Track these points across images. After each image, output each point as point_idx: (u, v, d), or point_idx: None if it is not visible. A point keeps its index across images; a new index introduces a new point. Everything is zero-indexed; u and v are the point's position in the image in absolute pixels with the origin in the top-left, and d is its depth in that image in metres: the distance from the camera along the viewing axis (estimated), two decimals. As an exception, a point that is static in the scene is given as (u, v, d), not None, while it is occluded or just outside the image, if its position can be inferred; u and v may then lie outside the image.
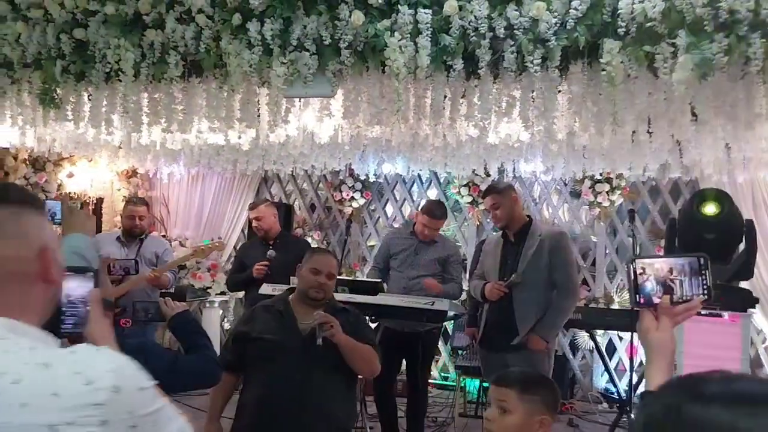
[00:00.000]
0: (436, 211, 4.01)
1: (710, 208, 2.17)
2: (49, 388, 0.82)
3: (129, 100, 3.03)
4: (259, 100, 3.00)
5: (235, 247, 6.33)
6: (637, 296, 1.29)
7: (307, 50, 2.71)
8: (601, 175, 5.32)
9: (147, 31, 2.94)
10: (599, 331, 5.27)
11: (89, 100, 3.29)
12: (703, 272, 1.27)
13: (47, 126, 3.69)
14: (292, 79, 2.75)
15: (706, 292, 1.27)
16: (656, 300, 1.26)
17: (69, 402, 0.82)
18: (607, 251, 5.86)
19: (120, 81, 3.02)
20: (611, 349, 5.63)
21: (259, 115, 3.04)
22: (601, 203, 5.55)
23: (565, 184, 5.88)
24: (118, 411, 0.84)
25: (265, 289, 3.64)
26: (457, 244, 6.01)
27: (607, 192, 5.49)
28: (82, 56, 3.11)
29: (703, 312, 2.31)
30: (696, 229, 2.21)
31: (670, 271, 1.29)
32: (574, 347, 5.81)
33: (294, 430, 2.32)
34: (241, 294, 5.98)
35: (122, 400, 0.84)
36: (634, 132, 3.36)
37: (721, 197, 2.23)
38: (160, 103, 3.11)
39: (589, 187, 5.55)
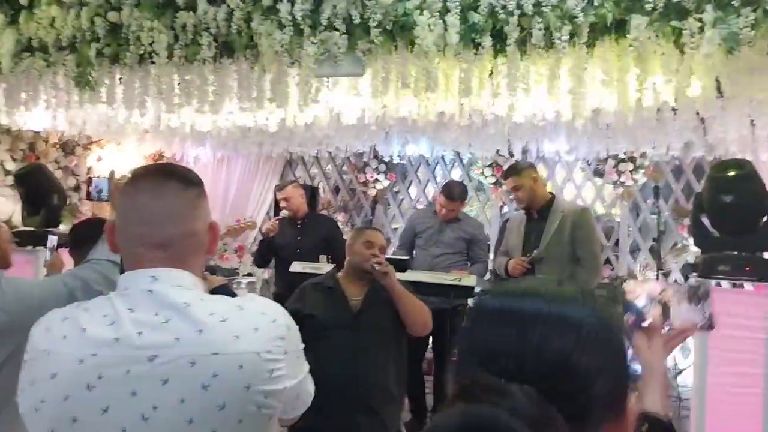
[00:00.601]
0: (453, 192, 4.09)
1: (730, 172, 2.20)
2: (250, 325, 1.06)
3: (162, 81, 3.11)
4: (288, 80, 3.07)
5: (260, 230, 6.46)
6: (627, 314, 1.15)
7: (337, 30, 2.76)
8: (624, 154, 5.33)
9: (179, 13, 3.01)
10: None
11: (120, 82, 3.39)
12: (703, 299, 1.22)
13: (81, 108, 3.80)
14: (323, 58, 2.81)
15: (708, 321, 1.21)
16: (647, 320, 1.15)
17: (266, 335, 1.06)
18: (630, 230, 5.87)
19: (153, 63, 3.11)
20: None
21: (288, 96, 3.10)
22: (624, 183, 5.55)
23: (588, 164, 5.89)
24: (291, 343, 1.10)
25: (295, 267, 3.74)
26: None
27: (630, 171, 5.49)
28: (116, 39, 3.19)
29: (724, 284, 2.34)
30: (715, 191, 2.24)
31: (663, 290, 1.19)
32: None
33: (348, 403, 2.37)
34: (266, 275, 6.13)
35: (292, 336, 1.11)
36: (658, 110, 3.38)
37: (742, 162, 2.26)
38: (192, 84, 3.19)
39: (613, 167, 5.56)
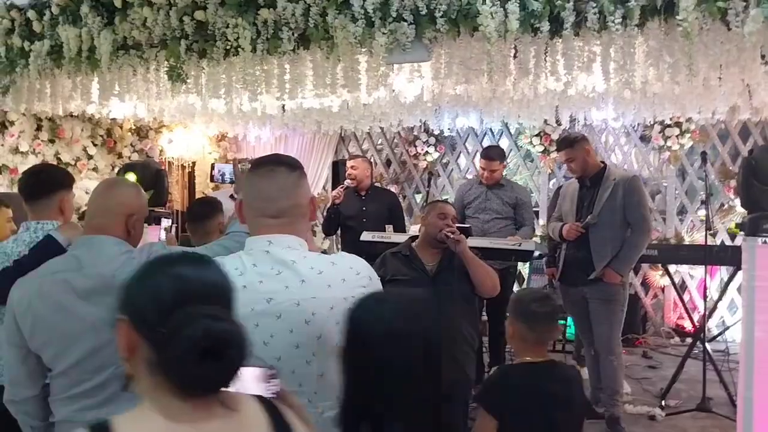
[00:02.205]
0: (490, 152, 4.41)
1: None
2: (339, 276, 1.43)
3: (247, 72, 3.45)
4: (359, 68, 3.36)
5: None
6: None
7: (405, 20, 3.03)
8: (670, 119, 5.48)
9: (261, 10, 3.32)
10: (672, 269, 5.53)
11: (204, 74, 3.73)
12: None
13: (167, 98, 4.18)
14: (392, 47, 3.09)
15: None
16: None
17: (351, 284, 1.43)
18: (677, 193, 6.03)
19: (237, 56, 3.44)
20: (683, 288, 5.87)
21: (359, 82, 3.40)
22: (670, 147, 5.71)
23: (635, 130, 6.05)
24: (373, 289, 1.46)
25: (365, 236, 4.08)
26: (531, 193, 6.31)
27: (676, 136, 5.65)
28: (203, 35, 3.53)
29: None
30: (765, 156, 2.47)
31: None
32: (645, 286, 6.08)
33: None
34: (326, 244, 6.52)
35: (373, 284, 1.48)
36: (705, 78, 3.56)
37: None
38: (271, 74, 3.52)
39: (659, 132, 5.71)
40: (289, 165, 1.53)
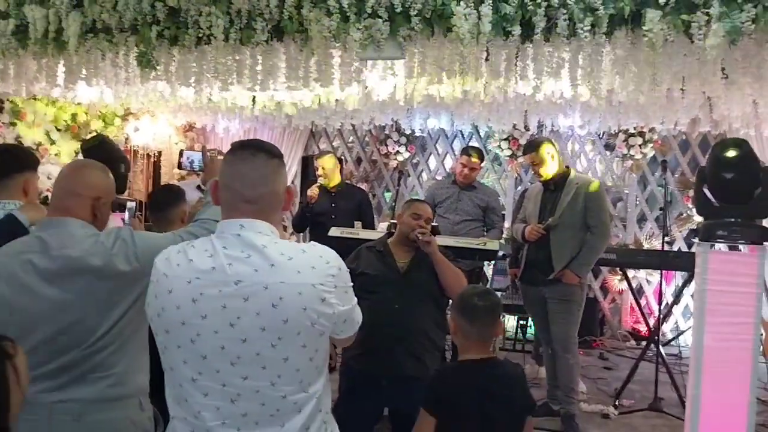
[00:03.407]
0: (471, 150, 4.49)
1: (730, 152, 2.53)
2: (309, 263, 1.44)
3: (218, 62, 3.43)
4: (332, 62, 3.38)
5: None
6: None
7: (380, 17, 3.06)
8: (634, 129, 5.64)
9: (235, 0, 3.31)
10: (630, 274, 5.68)
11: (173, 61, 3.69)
12: None
13: (134, 85, 4.12)
14: (366, 43, 3.12)
15: None
16: None
17: (320, 272, 1.43)
18: (638, 201, 6.21)
19: (208, 44, 3.42)
20: (640, 293, 6.04)
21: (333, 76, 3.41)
22: (633, 156, 5.87)
23: (600, 138, 6.20)
24: (340, 280, 1.47)
25: (334, 231, 4.09)
26: (497, 196, 6.40)
27: (639, 145, 5.81)
28: (175, 22, 3.49)
29: (722, 247, 2.69)
30: (717, 169, 2.57)
31: None
32: (604, 290, 6.24)
33: (396, 349, 2.70)
34: (294, 239, 6.50)
35: (342, 275, 1.48)
36: (668, 89, 3.69)
37: (740, 143, 2.57)
38: (243, 64, 3.50)
39: (623, 141, 5.87)
40: (270, 152, 1.53)
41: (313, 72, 3.39)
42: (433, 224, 4.22)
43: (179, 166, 6.47)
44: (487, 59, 3.13)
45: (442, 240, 3.97)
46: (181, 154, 6.44)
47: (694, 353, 2.66)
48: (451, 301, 2.71)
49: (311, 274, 1.42)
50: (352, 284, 1.55)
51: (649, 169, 6.10)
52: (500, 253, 4.32)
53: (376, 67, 3.57)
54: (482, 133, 6.58)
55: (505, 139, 6.27)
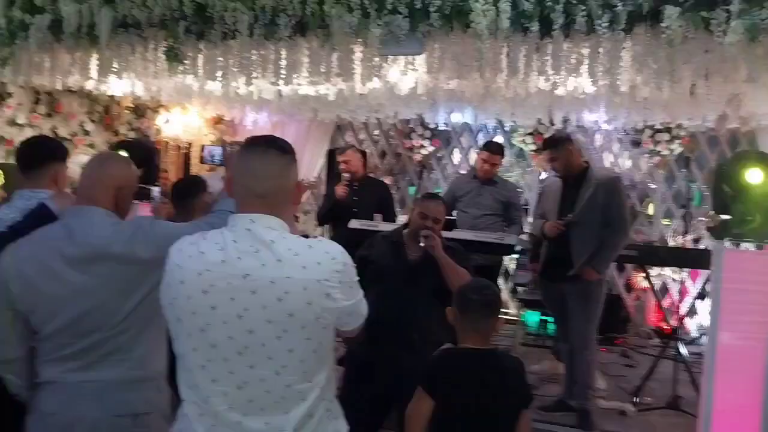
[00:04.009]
0: (492, 146, 4.50)
1: (754, 176, 2.46)
2: (315, 259, 1.49)
3: (243, 56, 3.51)
4: (354, 57, 3.43)
5: (312, 191, 6.96)
6: None
7: (400, 13, 3.09)
8: (661, 125, 5.57)
9: (259, -4, 3.38)
10: (654, 273, 5.63)
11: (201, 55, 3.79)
12: None
13: (163, 78, 4.24)
14: (386, 38, 3.16)
15: None
16: None
17: (325, 268, 1.49)
18: (665, 198, 6.13)
19: (234, 39, 3.50)
20: (664, 291, 5.97)
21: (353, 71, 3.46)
22: (660, 152, 5.79)
23: (626, 134, 6.13)
24: (345, 275, 1.53)
25: (354, 224, 4.15)
26: (519, 190, 6.39)
27: (666, 141, 5.73)
28: (201, 18, 3.58)
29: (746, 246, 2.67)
30: (739, 169, 2.55)
31: None
32: (629, 288, 6.19)
33: (399, 340, 2.73)
34: (318, 232, 6.59)
35: (348, 270, 1.54)
36: (693, 85, 3.65)
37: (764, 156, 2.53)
38: (267, 59, 3.58)
39: (650, 137, 5.80)
40: (282, 148, 1.58)
41: (335, 67, 3.45)
42: (450, 218, 4.27)
43: (201, 161, 6.64)
44: (508, 55, 3.15)
45: (459, 234, 4.03)
46: (202, 149, 6.59)
47: (708, 351, 2.66)
48: None
49: (316, 270, 1.47)
50: (358, 278, 1.60)
51: (676, 166, 6.01)
52: (518, 248, 4.33)
53: (396, 62, 3.61)
54: (507, 128, 6.56)
55: (529, 134, 6.25)
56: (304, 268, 1.46)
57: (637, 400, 4.09)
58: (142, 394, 1.88)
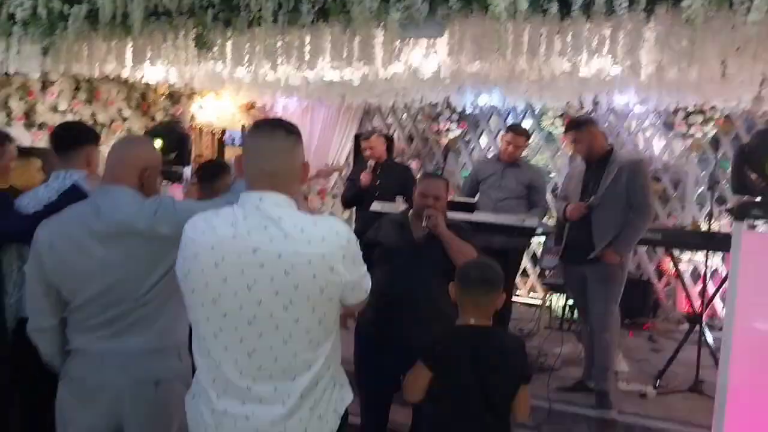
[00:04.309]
0: (516, 128, 4.54)
1: None
2: (319, 235, 1.57)
3: (268, 43, 3.59)
4: (375, 42, 3.48)
5: (340, 174, 7.04)
6: None
7: (420, -3, 3.13)
8: (694, 107, 5.46)
9: (283, -17, 3.45)
10: (686, 258, 5.55)
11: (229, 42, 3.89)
12: None
13: (195, 65, 4.36)
14: (406, 22, 3.20)
15: None
16: None
17: (330, 243, 1.56)
18: (698, 181, 6.02)
19: (259, 26, 3.59)
20: (696, 276, 5.88)
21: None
22: (693, 135, 5.68)
23: (659, 116, 6.03)
24: (349, 251, 1.61)
25: (375, 206, 4.22)
26: (552, 174, 6.36)
27: (700, 123, 5.62)
28: (228, 5, 3.68)
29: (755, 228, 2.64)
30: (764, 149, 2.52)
31: None
32: (660, 273, 6.11)
33: (407, 316, 2.79)
34: (346, 215, 6.70)
35: (351, 246, 1.61)
36: (723, 65, 3.57)
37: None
38: (292, 45, 3.66)
39: (683, 119, 5.69)
40: (288, 129, 1.67)
41: (357, 51, 3.51)
42: (471, 201, 4.31)
43: (222, 143, 6.88)
44: (528, 37, 3.15)
45: (480, 217, 4.06)
46: (223, 132, 6.84)
47: (725, 332, 2.65)
48: None
49: (321, 245, 1.55)
50: (362, 254, 1.68)
51: (711, 149, 5.89)
52: (539, 231, 4.33)
53: (418, 45, 3.64)
54: (536, 111, 6.52)
55: (559, 117, 6.20)
56: (309, 243, 1.54)
57: (659, 383, 4.07)
58: (163, 362, 2.00)
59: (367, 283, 1.71)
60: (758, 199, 2.47)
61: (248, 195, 1.62)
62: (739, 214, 2.58)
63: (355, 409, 3.02)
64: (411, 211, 3.06)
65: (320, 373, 1.61)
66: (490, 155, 6.57)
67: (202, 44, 3.81)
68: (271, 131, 1.65)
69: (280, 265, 1.52)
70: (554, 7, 2.90)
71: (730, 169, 3.98)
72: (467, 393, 2.05)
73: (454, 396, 2.07)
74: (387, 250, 2.87)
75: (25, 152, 3.40)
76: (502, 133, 6.77)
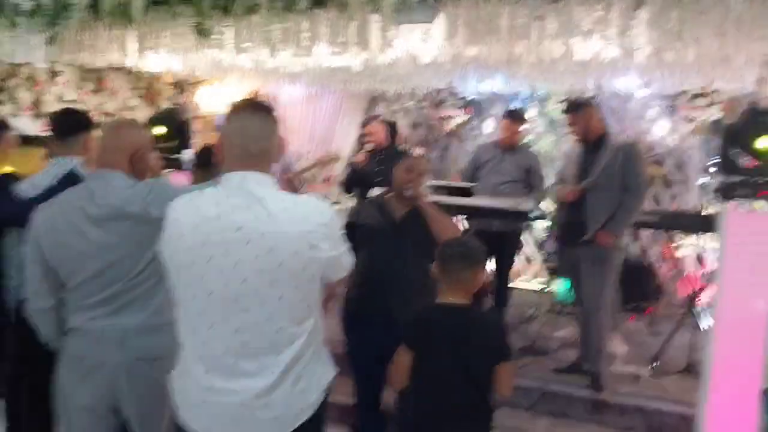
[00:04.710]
0: (514, 113, 4.58)
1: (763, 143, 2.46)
2: (301, 213, 1.62)
3: (265, 29, 3.64)
4: (370, 27, 3.51)
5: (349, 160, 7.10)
6: None
7: (412, -18, 3.17)
8: (699, 90, 5.43)
9: (278, -31, 3.49)
10: (689, 242, 5.56)
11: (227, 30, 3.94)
12: None
13: (196, 52, 4.41)
14: (400, 7, 3.23)
15: None
16: None
17: (311, 221, 1.62)
18: (701, 164, 5.99)
19: (257, 13, 3.64)
20: (701, 260, 5.86)
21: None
22: (696, 118, 5.66)
23: (662, 99, 6.00)
24: (331, 229, 1.67)
25: (375, 192, 4.26)
26: (555, 159, 6.34)
27: (704, 107, 5.59)
28: (226, -8, 3.73)
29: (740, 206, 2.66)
30: (752, 130, 2.54)
31: None
32: (662, 257, 6.11)
33: (388, 294, 2.86)
34: (352, 202, 6.75)
35: (332, 224, 1.67)
36: (719, 46, 3.56)
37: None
38: (289, 32, 3.70)
39: (687, 102, 5.67)
40: (266, 110, 1.73)
41: (354, 37, 3.54)
42: (466, 185, 4.34)
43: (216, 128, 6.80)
44: (534, 20, 3.16)
45: (475, 201, 4.10)
46: (215, 118, 6.74)
47: (714, 311, 2.68)
48: None
49: (303, 223, 1.60)
50: (343, 232, 1.73)
51: (710, 132, 5.86)
52: (534, 214, 4.37)
53: (413, 31, 3.67)
54: (540, 96, 6.51)
55: (563, 101, 6.18)
56: (292, 222, 1.59)
57: (655, 365, 4.10)
58: (159, 339, 2.06)
59: (348, 260, 1.77)
60: (742, 178, 2.49)
61: (231, 175, 1.67)
62: (725, 193, 2.60)
63: (347, 390, 3.11)
64: (390, 192, 3.11)
65: (303, 349, 1.67)
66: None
67: (202, 32, 3.87)
68: (253, 112, 1.70)
69: (264, 243, 1.58)
70: (545, -11, 2.91)
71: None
72: (448, 371, 2.10)
73: (434, 375, 2.12)
74: (368, 230, 2.93)
75: (30, 141, 3.49)
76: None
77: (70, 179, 2.51)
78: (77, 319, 2.08)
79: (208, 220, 1.62)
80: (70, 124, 2.73)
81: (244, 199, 1.62)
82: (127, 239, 2.02)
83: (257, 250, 1.58)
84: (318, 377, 1.73)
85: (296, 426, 1.67)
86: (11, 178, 2.81)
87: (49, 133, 2.77)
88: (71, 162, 2.65)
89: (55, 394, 2.11)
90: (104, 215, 2.02)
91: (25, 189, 2.61)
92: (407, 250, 2.89)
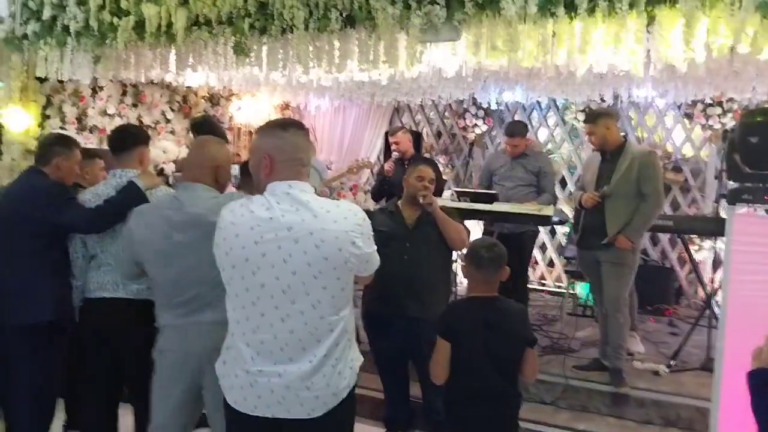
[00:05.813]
0: (512, 130, 4.77)
1: (757, 117, 2.67)
2: (342, 215, 1.87)
3: (300, 48, 3.91)
4: (398, 45, 3.76)
5: (372, 171, 7.34)
6: None
7: (438, 3, 3.40)
8: (712, 99, 5.58)
9: (313, -8, 3.76)
10: (707, 246, 5.69)
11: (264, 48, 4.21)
12: None
13: (233, 69, 4.70)
14: (426, 27, 3.47)
15: None
16: None
17: (351, 221, 1.88)
18: (717, 172, 6.12)
19: (292, 33, 3.90)
20: (717, 263, 5.98)
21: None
22: (712, 126, 5.81)
23: (679, 108, 6.16)
24: (365, 228, 1.92)
25: (398, 201, 4.50)
26: (574, 167, 6.52)
27: (718, 115, 5.74)
28: (263, 14, 4.00)
29: (747, 210, 2.84)
30: (743, 132, 2.72)
31: None
32: (682, 261, 6.24)
33: (404, 295, 3.12)
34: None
35: (366, 224, 1.93)
36: (731, 56, 3.74)
37: (766, 111, 2.71)
38: (321, 50, 3.96)
39: (701, 111, 5.82)
40: (300, 126, 2.00)
41: (382, 54, 3.79)
42: (492, 192, 4.56)
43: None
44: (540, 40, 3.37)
45: (498, 207, 4.30)
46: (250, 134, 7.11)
47: (722, 311, 2.85)
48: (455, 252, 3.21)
49: (344, 223, 1.85)
50: (372, 233, 1.97)
51: (720, 140, 5.99)
52: (555, 219, 4.56)
53: (439, 47, 3.91)
54: (559, 105, 6.70)
55: (582, 111, 6.37)
56: (335, 222, 1.84)
57: (673, 363, 4.26)
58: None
59: (377, 258, 2.01)
60: (748, 184, 2.67)
61: (277, 185, 1.90)
62: (731, 198, 2.79)
63: (378, 386, 3.33)
64: (401, 199, 3.34)
65: (340, 335, 1.90)
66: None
67: (240, 51, 4.15)
68: (284, 129, 1.95)
69: (312, 240, 1.81)
70: (561, 11, 3.13)
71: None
72: (479, 357, 2.33)
73: (469, 362, 2.34)
74: (383, 235, 3.12)
75: (90, 154, 3.79)
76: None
77: (128, 190, 2.78)
78: (165, 317, 2.38)
79: (261, 221, 1.85)
80: (125, 140, 3.00)
81: (291, 204, 1.86)
82: (205, 245, 2.22)
83: (306, 246, 1.81)
84: (351, 361, 1.95)
85: (335, 404, 1.89)
86: (77, 188, 3.09)
87: (97, 146, 3.04)
88: (128, 174, 2.91)
89: (153, 389, 2.40)
90: (187, 222, 2.30)
91: (89, 199, 2.88)
92: (420, 252, 3.14)
